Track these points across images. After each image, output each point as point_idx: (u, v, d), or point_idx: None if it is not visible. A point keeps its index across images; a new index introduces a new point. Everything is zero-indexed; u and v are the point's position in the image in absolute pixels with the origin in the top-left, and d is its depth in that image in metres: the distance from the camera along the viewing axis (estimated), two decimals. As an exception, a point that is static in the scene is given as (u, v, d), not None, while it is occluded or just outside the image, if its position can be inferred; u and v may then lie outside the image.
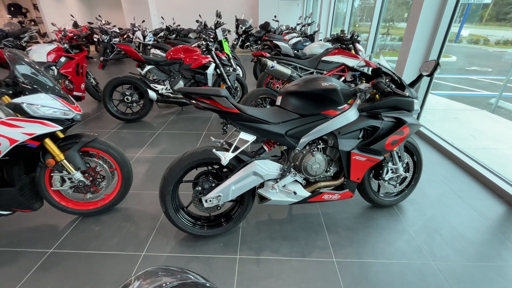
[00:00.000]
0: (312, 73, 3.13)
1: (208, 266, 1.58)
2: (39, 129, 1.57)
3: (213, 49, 3.73)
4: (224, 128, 1.59)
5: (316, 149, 1.69)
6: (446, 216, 2.01)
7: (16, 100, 1.51)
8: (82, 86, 3.96)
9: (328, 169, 1.75)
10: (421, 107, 3.45)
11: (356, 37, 3.16)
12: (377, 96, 1.73)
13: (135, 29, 8.35)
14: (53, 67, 3.55)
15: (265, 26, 10.71)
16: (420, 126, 1.75)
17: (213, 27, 5.12)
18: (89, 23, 9.52)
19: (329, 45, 3.60)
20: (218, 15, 4.71)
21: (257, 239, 1.78)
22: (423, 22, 3.04)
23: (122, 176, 1.94)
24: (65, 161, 1.73)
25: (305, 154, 1.66)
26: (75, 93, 3.82)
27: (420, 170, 2.05)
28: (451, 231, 1.86)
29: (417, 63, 3.22)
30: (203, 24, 7.64)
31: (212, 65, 3.72)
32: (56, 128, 1.63)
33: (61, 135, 1.81)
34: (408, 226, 1.90)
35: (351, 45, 3.19)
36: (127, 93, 3.57)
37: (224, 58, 3.90)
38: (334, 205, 2.11)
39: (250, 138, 1.58)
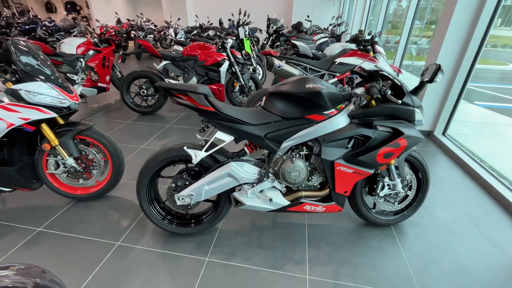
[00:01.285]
0: (323, 75, 2.96)
1: (175, 265, 1.55)
2: (34, 115, 1.68)
3: (228, 46, 3.72)
4: (203, 126, 1.54)
5: (298, 155, 1.57)
6: (452, 244, 1.75)
7: (15, 87, 1.63)
8: (107, 78, 4.21)
9: (310, 178, 1.61)
10: (450, 118, 3.08)
11: (375, 38, 2.91)
12: (373, 102, 1.56)
13: (169, 26, 8.73)
14: (81, 59, 3.83)
15: (297, 26, 10.50)
16: (421, 139, 1.53)
17: (237, 25, 5.12)
18: (128, 20, 10.16)
19: (352, 46, 3.37)
20: (244, 13, 4.71)
21: (232, 243, 1.71)
22: (456, 23, 2.69)
23: (113, 166, 2.00)
24: (59, 146, 1.83)
25: (285, 160, 1.55)
26: (99, 84, 4.08)
27: (426, 189, 1.80)
28: (454, 264, 1.61)
29: (446, 69, 2.87)
30: (230, 21, 7.69)
31: (226, 63, 3.71)
32: (51, 115, 1.73)
33: (61, 122, 1.93)
34: (403, 251, 1.69)
35: (369, 47, 2.94)
36: (143, 87, 3.72)
37: (239, 56, 3.87)
38: (324, 217, 1.96)
39: (227, 138, 1.52)
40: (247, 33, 5.90)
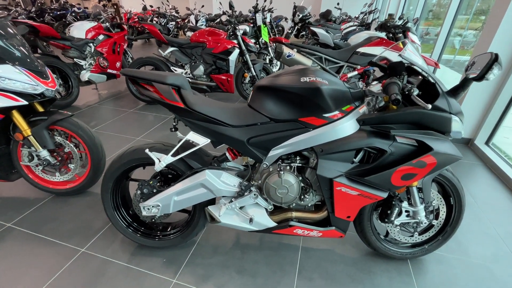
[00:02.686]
0: (341, 66, 2.55)
1: (136, 283, 1.33)
2: (1, 101, 1.52)
3: (240, 33, 3.39)
4: (174, 124, 1.28)
5: (288, 167, 1.24)
6: (488, 294, 1.34)
7: (-22, 70, 1.47)
8: (118, 64, 4.10)
9: (302, 197, 1.29)
10: (498, 124, 2.53)
11: (408, 24, 2.41)
12: (391, 104, 1.18)
13: (190, 13, 8.55)
14: (91, 44, 3.73)
15: (326, 15, 9.79)
16: (458, 158, 1.13)
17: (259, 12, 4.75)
18: (151, 6, 10.14)
19: (381, 34, 2.89)
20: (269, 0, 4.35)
21: (208, 263, 1.46)
22: (517, 6, 2.13)
23: (91, 160, 1.82)
24: (31, 137, 1.67)
25: (271, 172, 1.24)
26: (109, 70, 3.98)
27: (458, 220, 1.40)
28: (489, 323, 1.22)
29: (498, 65, 2.32)
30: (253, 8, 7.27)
31: (236, 51, 3.40)
32: (20, 102, 1.56)
33: (40, 109, 1.77)
34: (419, 297, 1.32)
35: (401, 35, 2.46)
36: (149, 74, 3.55)
37: (251, 44, 3.54)
38: (323, 240, 1.63)
39: (201, 141, 1.24)
40: (267, 20, 5.51)
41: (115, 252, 1.50)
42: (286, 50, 2.42)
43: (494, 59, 0.95)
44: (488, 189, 2.12)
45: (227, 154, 1.34)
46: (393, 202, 1.31)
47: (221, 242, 1.58)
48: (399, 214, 1.34)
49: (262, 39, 4.66)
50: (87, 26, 3.73)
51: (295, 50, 2.52)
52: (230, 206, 1.30)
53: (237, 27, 3.42)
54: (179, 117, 1.23)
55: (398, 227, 1.40)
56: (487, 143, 2.65)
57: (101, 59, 3.82)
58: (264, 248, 1.56)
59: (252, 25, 4.80)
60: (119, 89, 4.38)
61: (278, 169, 1.21)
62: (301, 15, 9.75)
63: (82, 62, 3.63)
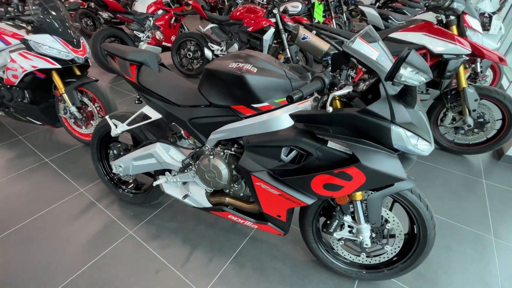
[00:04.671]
0: (367, 54, 2.20)
1: (103, 226, 1.61)
2: (41, 64, 1.93)
3: (277, 11, 3.24)
4: (138, 97, 1.41)
5: (222, 153, 1.24)
6: None
7: (26, 37, 1.88)
8: (172, 38, 4.50)
9: (232, 185, 1.27)
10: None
11: (457, 4, 1.84)
12: (336, 102, 1.01)
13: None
14: (150, 18, 4.17)
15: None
16: (399, 179, 0.91)
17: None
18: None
19: (429, 16, 2.30)
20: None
21: (162, 225, 1.62)
22: None
23: (106, 120, 2.17)
24: (64, 94, 2.08)
25: (206, 155, 1.26)
26: (164, 43, 4.40)
27: (422, 253, 1.16)
28: None
29: None
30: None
31: (271, 31, 3.29)
32: (54, 65, 1.95)
33: (78, 73, 2.18)
34: (345, 320, 1.20)
35: (453, 18, 1.92)
36: (191, 49, 3.80)
37: (290, 24, 3.34)
38: (275, 236, 1.58)
39: (153, 115, 1.35)
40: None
41: (102, 198, 1.81)
42: (302, 32, 2.21)
43: (403, 58, 0.72)
44: (529, 232, 1.62)
45: (182, 132, 1.42)
46: (334, 213, 1.18)
47: (182, 212, 1.72)
48: (340, 228, 1.20)
49: (315, 18, 4.33)
50: (149, 1, 4.16)
51: (314, 32, 2.28)
52: (173, 179, 1.40)
53: (276, 4, 3.27)
54: (136, 90, 1.35)
55: (342, 241, 1.25)
56: None
57: (158, 32, 4.25)
58: (216, 227, 1.62)
59: (307, 1, 4.46)
60: (170, 61, 4.83)
61: (212, 153, 1.23)
62: (382, -9, 8.46)
63: (140, 35, 4.12)
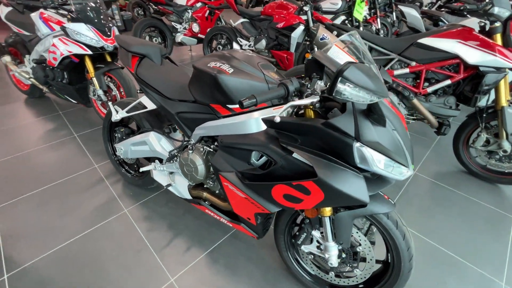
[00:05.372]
0: (390, 60, 2.01)
1: (105, 201, 1.77)
2: (76, 49, 2.16)
3: (308, 9, 3.12)
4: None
5: (202, 149, 1.26)
6: None
7: (65, 25, 2.12)
8: (208, 30, 4.64)
9: (208, 181, 1.29)
10: None
11: (493, 7, 1.54)
12: (308, 110, 0.96)
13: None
14: (189, 10, 4.35)
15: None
16: (361, 202, 0.84)
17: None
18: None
19: (472, 21, 2.00)
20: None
21: (154, 210, 1.73)
22: None
23: (127, 105, 2.35)
24: (94, 78, 2.31)
25: (187, 149, 1.30)
26: (199, 35, 4.56)
27: (395, 284, 1.06)
28: None
29: None
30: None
31: (301, 28, 3.19)
32: (86, 51, 2.17)
33: (109, 59, 2.39)
34: (302, 336, 1.15)
35: (498, 23, 1.63)
36: (221, 43, 3.87)
37: (325, 23, 3.19)
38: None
39: (149, 105, 1.43)
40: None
41: (110, 176, 1.99)
42: (321, 32, 2.10)
43: (340, 72, 0.63)
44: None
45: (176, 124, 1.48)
46: (303, 225, 1.13)
47: (175, 200, 1.81)
48: (309, 241, 1.15)
49: (354, 16, 4.09)
50: (189, -6, 4.33)
51: (335, 33, 2.15)
52: (160, 167, 1.47)
53: (309, 1, 3.15)
54: (136, 81, 1.44)
55: (311, 255, 1.20)
56: None
57: (195, 24, 4.42)
58: (202, 219, 1.67)
59: (349, -2, 4.20)
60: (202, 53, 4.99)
61: (192, 148, 1.26)
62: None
63: (178, 26, 4.32)
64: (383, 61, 2.04)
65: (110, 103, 1.59)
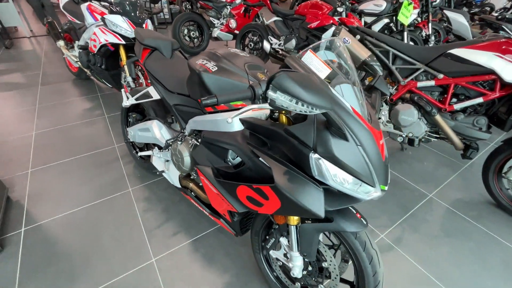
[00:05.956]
0: (416, 70, 1.83)
1: (115, 179, 1.95)
2: (112, 38, 2.38)
3: (343, 10, 2.98)
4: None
5: (190, 141, 1.32)
6: None
7: (105, 16, 2.34)
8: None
9: (193, 173, 1.34)
10: None
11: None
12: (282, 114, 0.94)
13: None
14: (228, 6, 4.46)
15: None
16: (316, 215, 0.80)
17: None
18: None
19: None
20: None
21: (154, 192, 1.85)
22: None
23: (150, 93, 2.53)
24: (125, 66, 2.53)
25: (180, 141, 1.36)
26: (236, 31, 4.66)
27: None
28: None
29: None
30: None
31: (332, 30, 3.06)
32: (120, 41, 2.38)
33: (141, 50, 2.60)
34: None
35: None
36: (253, 40, 3.91)
37: (356, 24, 3.03)
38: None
39: (154, 95, 1.53)
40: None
41: (125, 156, 2.18)
42: (343, 35, 1.99)
43: (270, 78, 0.59)
44: None
45: (177, 115, 1.56)
46: (273, 230, 1.12)
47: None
48: (278, 247, 1.13)
49: (399, 20, 3.80)
50: (230, -9, 4.44)
51: (358, 37, 2.01)
52: (157, 155, 1.57)
53: (345, 1, 3.02)
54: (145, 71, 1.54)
55: (279, 262, 1.18)
56: None
57: (232, 20, 4.52)
58: (194, 208, 1.75)
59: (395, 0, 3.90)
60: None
61: (182, 140, 1.33)
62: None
63: (215, 21, 4.46)
64: (407, 71, 1.88)
65: (123, 90, 1.74)
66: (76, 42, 2.99)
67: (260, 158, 0.93)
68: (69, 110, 2.78)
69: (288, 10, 3.49)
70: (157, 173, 1.58)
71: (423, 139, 1.92)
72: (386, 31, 4.08)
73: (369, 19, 4.12)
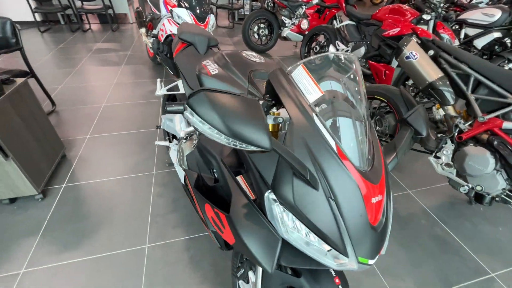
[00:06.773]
0: (505, 104, 1.34)
1: (136, 159, 2.10)
2: (175, 30, 2.56)
3: (432, 17, 2.47)
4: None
5: (194, 141, 1.27)
6: None
7: (173, 9, 2.52)
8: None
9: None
10: None
11: None
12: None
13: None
14: (303, 6, 4.27)
15: None
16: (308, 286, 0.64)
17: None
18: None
19: None
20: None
21: (166, 184, 1.91)
22: None
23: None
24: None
25: (185, 140, 1.34)
26: (307, 32, 4.45)
27: None
28: None
29: None
30: None
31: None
32: (181, 33, 2.54)
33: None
34: None
35: None
36: (320, 43, 3.65)
37: (447, 36, 2.48)
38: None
39: (181, 88, 1.55)
40: None
41: (162, 140, 2.33)
42: (411, 48, 1.60)
43: (187, 96, 0.43)
44: None
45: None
46: (245, 260, 0.99)
47: (193, 179, 1.93)
48: (248, 282, 1.00)
49: (514, 35, 2.99)
50: (309, -9, 4.24)
51: (431, 53, 1.58)
52: (173, 146, 1.59)
53: (435, 8, 2.49)
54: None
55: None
56: None
57: (304, 21, 4.34)
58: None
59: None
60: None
61: (184, 138, 1.30)
62: None
63: (287, 20, 4.35)
64: (491, 104, 1.41)
65: (158, 79, 1.83)
66: (154, 30, 3.35)
67: (238, 178, 0.82)
68: (137, 89, 3.15)
69: (364, 13, 3.11)
70: (166, 164, 1.62)
71: (497, 198, 1.43)
72: (496, 48, 3.27)
73: (471, 31, 3.36)
